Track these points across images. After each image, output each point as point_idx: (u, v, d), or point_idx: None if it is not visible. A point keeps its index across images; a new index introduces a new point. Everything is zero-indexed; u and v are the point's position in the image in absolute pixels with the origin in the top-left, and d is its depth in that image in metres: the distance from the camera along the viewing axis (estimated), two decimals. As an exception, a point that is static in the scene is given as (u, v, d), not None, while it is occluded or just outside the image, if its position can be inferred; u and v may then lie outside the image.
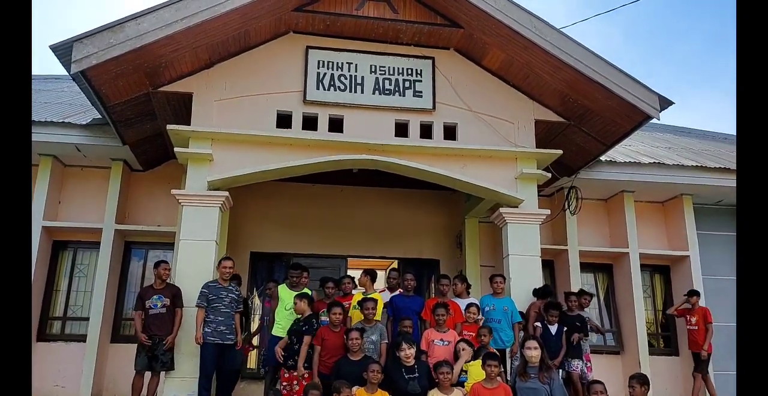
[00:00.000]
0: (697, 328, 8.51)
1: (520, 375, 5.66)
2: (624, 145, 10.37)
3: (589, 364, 7.51)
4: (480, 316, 6.96)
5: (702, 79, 43.65)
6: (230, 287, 6.83)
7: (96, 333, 8.10)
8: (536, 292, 7.34)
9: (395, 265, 10.35)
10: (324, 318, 6.66)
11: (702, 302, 9.40)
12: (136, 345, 6.81)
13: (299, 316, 6.48)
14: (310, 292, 6.88)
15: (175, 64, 7.08)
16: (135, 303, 7.04)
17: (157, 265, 6.99)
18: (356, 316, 6.78)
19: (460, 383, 5.84)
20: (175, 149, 7.21)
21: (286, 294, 6.97)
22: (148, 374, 6.79)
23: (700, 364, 8.42)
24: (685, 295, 8.99)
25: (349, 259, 9.89)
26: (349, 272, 8.74)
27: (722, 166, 9.44)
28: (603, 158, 8.92)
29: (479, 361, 5.72)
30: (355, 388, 5.57)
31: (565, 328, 7.15)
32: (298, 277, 7.15)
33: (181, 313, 6.74)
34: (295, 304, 6.47)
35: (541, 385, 5.52)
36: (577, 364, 7.26)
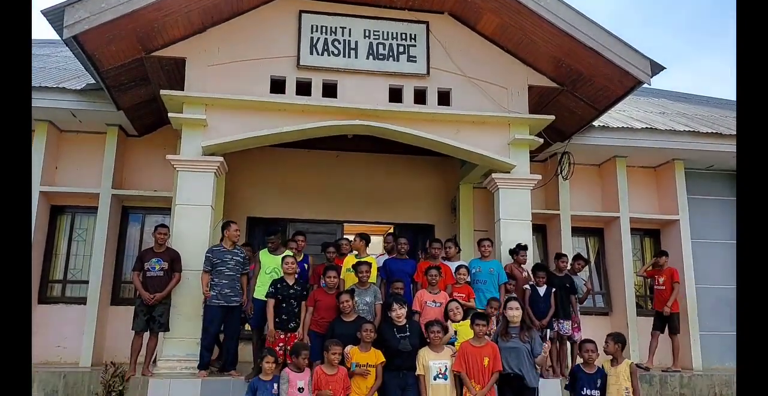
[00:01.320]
0: (664, 288, 8.65)
1: (502, 335, 5.83)
2: (618, 111, 10.41)
3: (576, 325, 7.71)
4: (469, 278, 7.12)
5: (705, 40, 43.31)
6: (235, 250, 6.96)
7: (96, 296, 8.27)
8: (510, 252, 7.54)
9: (392, 230, 10.46)
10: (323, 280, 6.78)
11: (690, 265, 9.60)
12: (134, 307, 6.98)
13: (280, 277, 6.64)
14: (291, 254, 6.99)
15: (167, 29, 7.06)
16: (134, 264, 7.18)
17: (155, 229, 7.11)
18: (349, 278, 6.92)
19: (450, 343, 6.01)
20: (169, 114, 7.25)
21: (267, 259, 7.03)
22: (146, 335, 6.98)
23: (671, 324, 8.56)
24: (654, 256, 9.15)
25: (345, 224, 10.00)
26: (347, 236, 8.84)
27: (714, 131, 9.51)
28: (596, 123, 8.97)
29: (468, 321, 5.89)
30: (349, 347, 5.74)
31: (554, 289, 7.32)
32: (274, 243, 7.18)
33: (179, 277, 6.90)
34: (285, 263, 6.60)
35: (522, 344, 5.71)
36: (568, 325, 7.46)
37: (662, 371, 8.38)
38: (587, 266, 9.22)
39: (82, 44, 6.46)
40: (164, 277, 6.88)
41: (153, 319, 6.85)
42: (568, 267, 8.02)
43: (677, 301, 8.61)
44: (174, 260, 6.93)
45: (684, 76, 41.22)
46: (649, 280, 9.40)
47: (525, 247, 7.50)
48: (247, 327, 7.48)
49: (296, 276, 6.72)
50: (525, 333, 5.78)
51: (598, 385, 5.49)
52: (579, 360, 6.01)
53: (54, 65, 9.92)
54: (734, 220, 9.84)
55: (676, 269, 8.79)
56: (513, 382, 5.63)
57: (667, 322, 8.59)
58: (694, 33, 43.81)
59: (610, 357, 5.66)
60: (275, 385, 5.39)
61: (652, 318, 8.85)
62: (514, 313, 5.79)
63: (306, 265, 7.33)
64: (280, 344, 6.31)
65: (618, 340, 5.61)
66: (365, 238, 7.38)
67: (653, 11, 42.86)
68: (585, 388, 5.50)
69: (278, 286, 6.52)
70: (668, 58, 41.29)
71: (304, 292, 6.56)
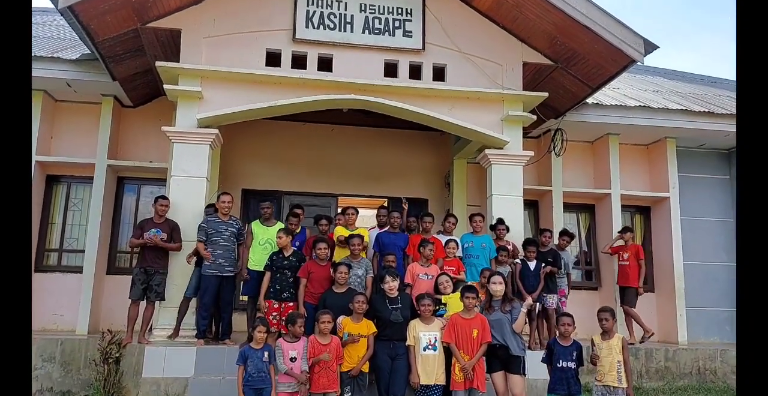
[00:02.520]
0: (628, 263, 8.81)
1: (485, 309, 5.98)
2: (612, 88, 10.44)
3: (563, 299, 7.86)
4: (459, 253, 7.24)
5: (704, 18, 43.04)
6: (230, 221, 7.06)
7: (92, 265, 8.38)
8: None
9: (385, 203, 10.55)
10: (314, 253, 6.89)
11: (679, 241, 9.75)
12: (132, 276, 7.07)
13: (276, 249, 6.77)
14: (283, 227, 7.07)
15: (163, 0, 7.03)
16: (133, 231, 7.26)
17: (155, 200, 7.18)
18: (339, 251, 7.03)
19: (440, 315, 6.16)
20: (165, 86, 7.27)
21: (259, 230, 7.13)
22: (142, 304, 7.08)
23: (631, 298, 8.75)
24: (619, 232, 9.23)
25: (339, 197, 10.08)
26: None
27: (707, 110, 9.56)
28: (590, 101, 9.01)
29: (458, 294, 6.02)
30: (342, 318, 5.88)
31: (543, 264, 7.44)
32: (270, 209, 7.27)
33: (180, 246, 7.03)
34: (279, 238, 6.70)
35: (503, 315, 5.87)
36: (552, 299, 7.61)
37: (639, 342, 8.55)
38: (574, 241, 9.28)
39: (77, 14, 6.44)
40: (163, 248, 6.98)
41: (150, 288, 6.96)
42: (555, 242, 8.13)
43: (639, 277, 8.81)
44: (174, 230, 7.04)
45: (683, 54, 41.05)
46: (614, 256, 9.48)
47: (501, 221, 7.59)
48: (243, 297, 7.62)
49: (294, 248, 6.85)
50: (506, 305, 5.92)
51: (574, 357, 5.63)
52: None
53: (48, 34, 9.84)
54: (724, 198, 10.15)
55: (641, 246, 8.94)
56: (499, 352, 5.80)
57: (624, 295, 8.81)
58: (693, 10, 43.50)
59: (600, 331, 5.78)
60: (265, 354, 5.52)
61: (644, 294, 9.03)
62: (497, 287, 5.92)
63: (305, 238, 7.44)
64: (274, 313, 6.46)
65: (613, 315, 5.76)
66: (357, 211, 7.51)
67: (654, -14, 42.46)
68: (561, 361, 5.62)
69: (274, 258, 6.66)
70: (667, 35, 41.10)
71: (300, 264, 6.67)
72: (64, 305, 8.49)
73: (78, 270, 8.50)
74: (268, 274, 6.62)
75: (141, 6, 6.93)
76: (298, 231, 7.30)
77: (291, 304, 6.51)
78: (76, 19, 6.51)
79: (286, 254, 6.69)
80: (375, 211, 8.14)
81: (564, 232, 8.43)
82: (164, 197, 7.22)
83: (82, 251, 8.57)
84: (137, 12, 6.99)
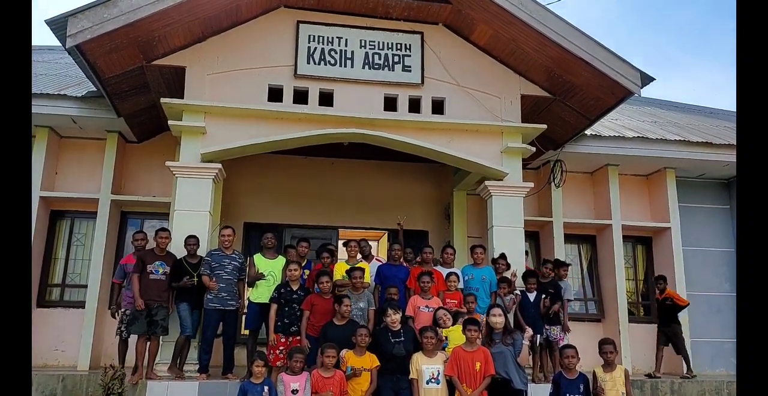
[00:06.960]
0: None
1: (486, 342, 5.95)
2: (610, 119, 10.56)
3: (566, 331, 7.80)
4: (460, 285, 7.23)
5: (699, 47, 43.66)
6: (233, 255, 7.07)
7: (94, 300, 8.36)
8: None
9: (385, 236, 10.57)
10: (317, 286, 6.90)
11: (681, 272, 9.72)
12: (132, 310, 6.91)
13: (279, 282, 6.80)
14: (287, 260, 7.10)
15: (168, 38, 7.21)
16: (134, 266, 7.07)
17: (156, 233, 7.17)
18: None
19: (442, 348, 6.12)
20: (169, 122, 7.38)
21: (261, 262, 7.16)
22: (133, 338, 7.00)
23: None
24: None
25: (340, 229, 10.11)
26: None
27: (705, 141, 9.66)
28: (588, 132, 9.11)
29: (459, 327, 6.00)
30: (345, 351, 5.86)
31: (543, 296, 7.42)
32: (271, 239, 7.32)
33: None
34: (289, 270, 6.73)
35: (505, 347, 5.84)
36: (555, 331, 7.57)
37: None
38: (576, 273, 9.24)
39: (84, 53, 6.59)
40: (166, 281, 6.90)
41: (154, 323, 6.79)
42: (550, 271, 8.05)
43: None
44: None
45: (679, 84, 41.52)
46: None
47: (502, 256, 7.57)
48: (244, 331, 7.60)
49: (300, 281, 6.87)
50: (507, 337, 5.90)
51: (581, 390, 5.56)
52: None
53: (55, 72, 10.05)
54: (725, 228, 10.16)
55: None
56: (502, 386, 5.75)
57: None
58: (689, 41, 44.16)
59: (602, 363, 5.74)
60: (265, 388, 5.49)
61: (646, 324, 8.87)
62: (497, 319, 5.92)
63: (307, 271, 7.47)
64: (281, 348, 6.44)
65: (616, 346, 5.74)
66: (359, 244, 7.55)
67: (650, 19, 43.20)
68: (568, 395, 5.56)
69: (282, 291, 6.67)
70: (664, 65, 41.64)
71: (306, 297, 6.68)
72: (66, 340, 8.46)
73: (80, 305, 8.49)
74: (274, 307, 6.61)
75: (146, 44, 7.09)
76: (304, 263, 7.33)
77: (299, 337, 6.50)
78: (83, 58, 6.66)
79: (294, 288, 6.70)
80: (375, 243, 8.18)
81: (560, 263, 8.28)
82: (165, 229, 7.17)
83: (85, 286, 8.57)
84: (143, 50, 7.15)
